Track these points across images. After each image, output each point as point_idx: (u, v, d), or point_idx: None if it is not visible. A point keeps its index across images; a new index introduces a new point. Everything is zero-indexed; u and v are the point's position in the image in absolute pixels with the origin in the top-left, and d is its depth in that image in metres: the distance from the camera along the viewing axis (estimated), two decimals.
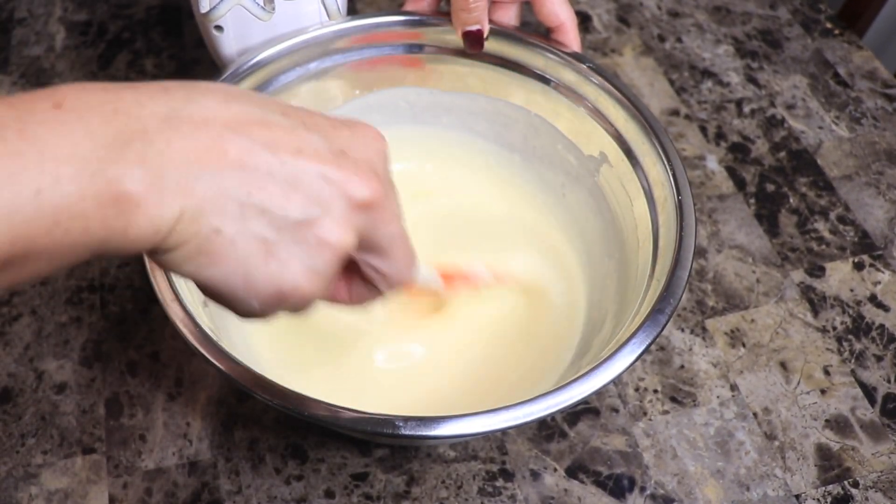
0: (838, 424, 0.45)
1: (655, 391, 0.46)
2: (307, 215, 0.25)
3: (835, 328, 0.49)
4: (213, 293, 0.26)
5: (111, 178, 0.22)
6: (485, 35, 0.45)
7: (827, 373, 0.47)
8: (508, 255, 0.48)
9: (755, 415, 0.45)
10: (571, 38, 0.45)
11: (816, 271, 0.51)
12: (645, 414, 0.45)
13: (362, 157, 0.27)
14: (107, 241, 0.23)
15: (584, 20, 0.66)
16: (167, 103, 0.24)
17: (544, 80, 0.46)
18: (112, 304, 0.47)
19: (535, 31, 0.46)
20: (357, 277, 0.31)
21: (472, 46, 0.45)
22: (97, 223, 0.22)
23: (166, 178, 0.23)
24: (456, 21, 0.45)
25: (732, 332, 0.48)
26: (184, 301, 0.35)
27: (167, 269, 0.25)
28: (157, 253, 0.24)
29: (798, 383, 0.46)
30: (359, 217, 0.26)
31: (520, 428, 0.42)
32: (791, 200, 0.55)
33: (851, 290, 0.51)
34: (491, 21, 0.46)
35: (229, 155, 0.24)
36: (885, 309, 0.50)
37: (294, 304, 0.27)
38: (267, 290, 0.26)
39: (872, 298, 0.50)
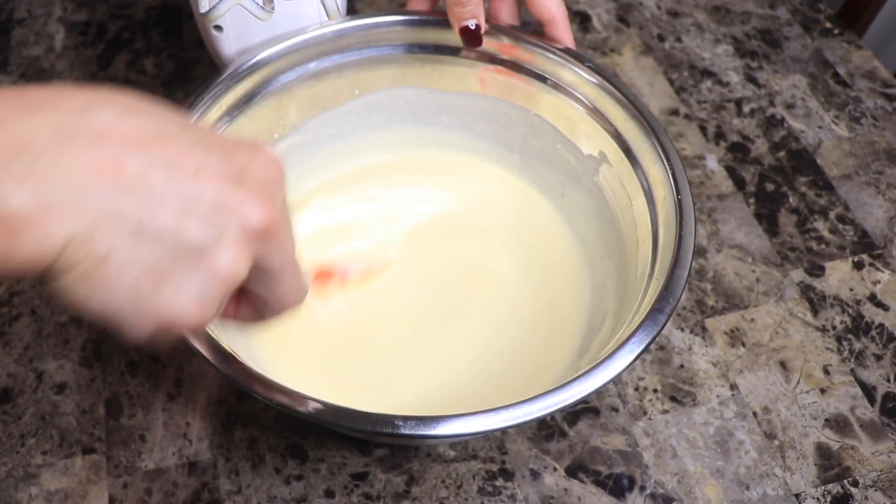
0: (838, 423, 0.45)
1: (655, 390, 0.46)
2: (201, 242, 0.24)
3: (834, 327, 0.49)
4: (101, 320, 0.25)
5: None
6: (483, 30, 0.44)
7: (826, 372, 0.47)
8: (506, 255, 0.49)
9: (755, 414, 0.45)
10: (563, 31, 0.45)
11: (816, 271, 0.51)
12: (645, 413, 0.45)
13: (259, 180, 0.26)
14: None
15: (583, 20, 0.66)
16: (58, 114, 0.23)
17: (544, 79, 0.46)
18: None
19: (534, 30, 0.46)
20: (244, 298, 0.30)
21: (470, 43, 0.45)
22: None
23: (55, 198, 0.21)
24: (451, 17, 0.44)
25: (732, 331, 0.48)
26: None
27: (55, 296, 0.24)
28: (45, 279, 0.23)
29: (798, 382, 0.46)
30: (253, 244, 0.25)
31: (519, 427, 0.42)
32: (790, 200, 0.55)
33: (851, 290, 0.51)
34: (489, 18, 0.46)
35: (125, 173, 0.23)
36: (885, 308, 0.50)
37: (181, 331, 0.26)
38: (155, 319, 0.25)
39: (872, 298, 0.50)
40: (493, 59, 0.47)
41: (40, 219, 0.21)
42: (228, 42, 0.45)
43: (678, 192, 0.40)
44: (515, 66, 0.47)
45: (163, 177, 0.23)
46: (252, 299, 0.29)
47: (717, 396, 0.46)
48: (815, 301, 0.50)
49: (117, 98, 0.24)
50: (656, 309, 0.36)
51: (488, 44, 0.46)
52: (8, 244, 0.21)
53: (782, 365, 0.47)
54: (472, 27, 0.44)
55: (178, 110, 0.26)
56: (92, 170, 0.22)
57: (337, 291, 0.45)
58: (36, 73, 0.59)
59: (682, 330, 0.48)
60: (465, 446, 0.43)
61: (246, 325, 0.31)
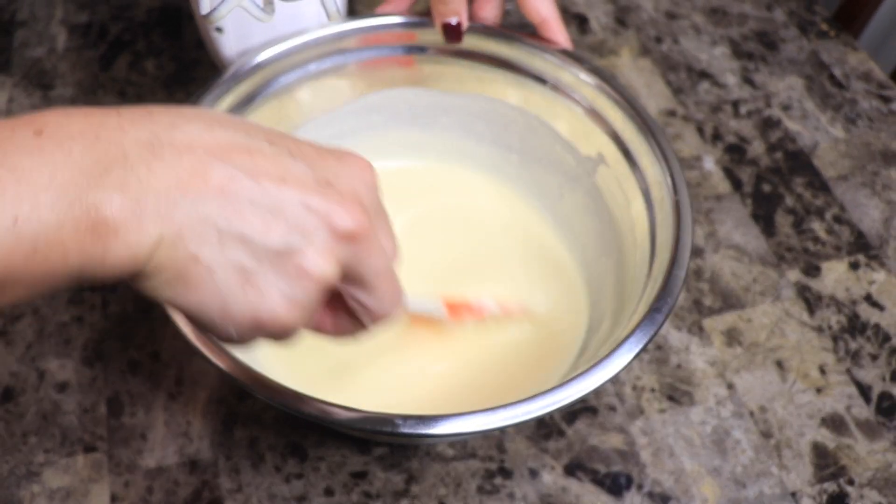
0: (834, 423, 0.45)
1: (653, 390, 0.46)
2: (288, 245, 0.25)
3: (830, 327, 0.49)
4: (191, 317, 0.26)
5: (89, 205, 0.22)
6: (464, 27, 0.45)
7: (822, 371, 0.47)
8: (505, 255, 0.49)
9: (751, 413, 0.45)
10: (556, 32, 0.45)
11: (812, 271, 0.52)
12: (642, 412, 0.45)
13: (348, 187, 0.26)
14: (85, 269, 0.23)
15: (581, 22, 0.66)
16: (150, 129, 0.24)
17: (542, 81, 0.47)
18: (113, 304, 0.48)
19: (532, 31, 0.47)
20: (342, 309, 0.30)
21: (451, 39, 0.46)
22: (75, 250, 0.22)
23: (146, 205, 0.23)
24: (435, 13, 0.45)
25: (729, 331, 0.49)
26: None
27: (146, 295, 0.25)
28: (136, 279, 0.24)
29: (794, 382, 0.47)
30: (342, 248, 0.26)
31: (518, 426, 0.42)
32: (787, 201, 0.55)
33: (847, 290, 0.51)
34: (472, 18, 0.46)
35: (211, 181, 0.24)
36: (881, 308, 0.50)
37: (273, 332, 0.26)
38: (244, 318, 0.25)
39: (868, 298, 0.51)
40: (491, 60, 0.47)
41: (132, 224, 0.23)
42: (229, 43, 0.45)
43: (676, 193, 0.40)
44: (515, 68, 0.47)
45: (249, 185, 0.24)
46: (350, 308, 0.30)
47: (714, 396, 0.46)
48: (811, 301, 0.50)
49: (205, 113, 0.26)
50: (654, 309, 0.36)
51: (488, 44, 0.46)
52: (100, 249, 0.23)
53: (779, 364, 0.47)
54: (454, 23, 0.45)
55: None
56: (180, 178, 0.23)
57: (474, 326, 0.45)
58: (38, 75, 0.59)
59: (680, 330, 0.49)
60: (464, 445, 0.44)
61: (344, 337, 0.31)
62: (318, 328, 0.31)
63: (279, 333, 0.27)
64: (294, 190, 0.25)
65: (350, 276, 0.27)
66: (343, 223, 0.25)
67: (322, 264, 0.25)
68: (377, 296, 0.29)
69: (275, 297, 0.25)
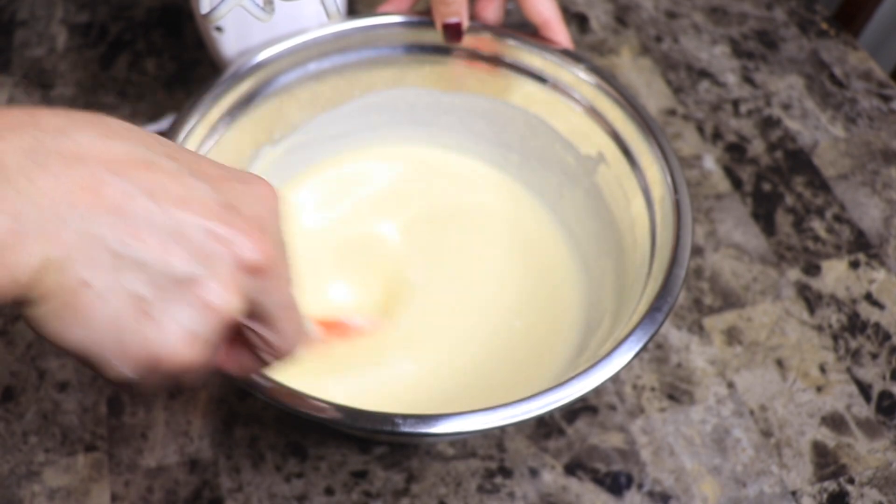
0: (834, 421, 0.45)
1: (653, 389, 0.46)
2: (190, 273, 0.22)
3: (830, 326, 0.49)
4: (81, 358, 0.23)
5: None
6: (464, 27, 0.45)
7: (823, 370, 0.47)
8: (505, 254, 0.49)
9: (752, 412, 0.45)
10: (558, 33, 0.46)
11: (812, 270, 0.52)
12: (642, 411, 0.45)
13: (253, 213, 0.24)
14: None
15: (581, 21, 0.66)
16: (33, 135, 0.21)
17: (542, 80, 0.47)
18: None
19: (532, 31, 0.47)
20: (239, 343, 0.27)
21: (451, 39, 0.46)
22: None
23: (26, 221, 0.20)
24: (436, 14, 0.45)
25: (729, 330, 0.49)
26: None
27: (33, 329, 0.22)
28: (21, 308, 0.22)
29: (794, 381, 0.47)
30: (246, 281, 0.24)
31: (518, 425, 0.42)
32: (787, 200, 0.55)
33: (847, 289, 0.51)
34: (474, 18, 0.46)
35: (104, 197, 0.21)
36: (881, 307, 0.50)
37: (171, 371, 0.24)
38: (140, 354, 0.23)
39: (868, 297, 0.51)
40: (492, 60, 0.47)
41: (12, 242, 0.20)
42: (229, 43, 0.45)
43: (676, 192, 0.40)
44: (515, 67, 0.47)
45: (147, 203, 0.22)
46: (250, 345, 0.27)
47: (715, 395, 0.46)
48: (811, 300, 0.50)
49: (100, 120, 0.23)
50: (654, 308, 0.36)
51: (487, 44, 0.46)
52: None
53: (779, 363, 0.47)
54: (454, 23, 0.45)
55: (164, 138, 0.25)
56: (69, 192, 0.21)
57: (339, 342, 0.43)
58: (38, 75, 0.59)
59: (680, 329, 0.49)
60: (464, 444, 0.44)
61: (247, 374, 0.29)
62: (216, 365, 0.28)
63: (178, 372, 0.24)
64: (197, 213, 0.23)
65: (252, 309, 0.25)
66: (249, 254, 0.23)
67: (226, 296, 0.23)
68: (280, 331, 0.26)
69: (174, 330, 0.23)
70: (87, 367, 0.24)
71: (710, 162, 0.57)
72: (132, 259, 0.22)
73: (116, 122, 0.24)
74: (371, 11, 0.48)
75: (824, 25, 0.67)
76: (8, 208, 0.20)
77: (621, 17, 0.66)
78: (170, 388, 0.25)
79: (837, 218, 0.55)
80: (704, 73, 0.63)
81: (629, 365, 0.35)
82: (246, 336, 0.27)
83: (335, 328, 0.43)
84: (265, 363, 0.28)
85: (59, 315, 0.22)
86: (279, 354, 0.27)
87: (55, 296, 0.21)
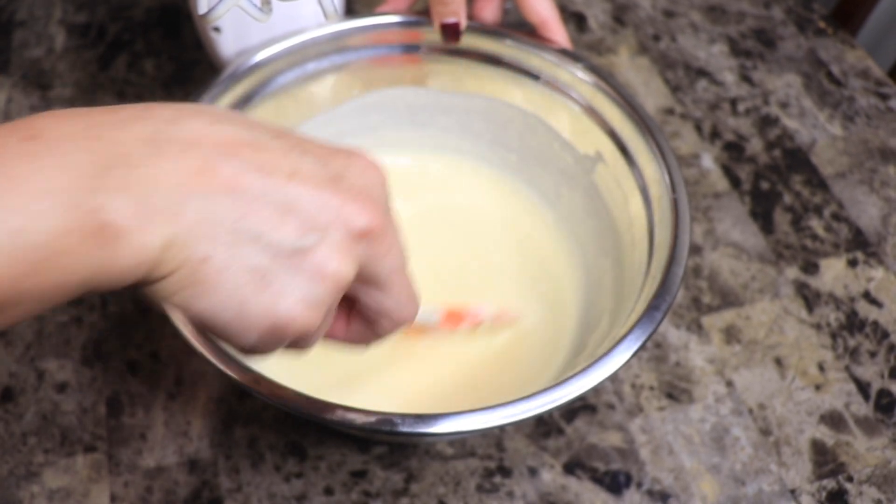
0: (833, 420, 0.45)
1: (651, 388, 0.46)
2: (303, 242, 0.24)
3: (829, 324, 0.49)
4: (207, 326, 0.24)
5: (92, 209, 0.21)
6: (462, 27, 0.45)
7: (821, 369, 0.47)
8: (504, 254, 0.49)
9: (750, 411, 0.45)
10: (556, 33, 0.46)
11: (811, 268, 0.52)
12: (641, 410, 0.45)
13: (359, 183, 0.25)
14: (92, 278, 0.22)
15: (579, 20, 0.66)
16: (151, 125, 0.23)
17: (540, 79, 0.47)
18: (112, 304, 0.48)
19: (529, 30, 0.47)
20: (355, 314, 0.29)
21: (449, 38, 0.46)
22: (80, 259, 0.21)
23: (151, 205, 0.22)
24: (434, 14, 0.45)
25: (728, 328, 0.49)
26: None
27: (158, 303, 0.24)
28: (146, 286, 0.23)
29: (793, 379, 0.47)
30: (358, 246, 0.25)
31: (517, 425, 0.42)
32: (785, 198, 0.55)
33: (845, 287, 0.51)
34: (472, 18, 0.46)
35: (219, 178, 0.23)
36: (879, 305, 0.50)
37: (291, 337, 0.25)
38: (262, 322, 0.24)
39: (866, 295, 0.51)
40: (490, 59, 0.47)
41: (138, 226, 0.21)
42: (227, 43, 0.45)
43: (674, 191, 0.40)
44: (513, 67, 0.47)
45: (257, 180, 0.23)
46: (363, 313, 0.28)
47: (713, 393, 0.46)
48: (809, 298, 0.50)
49: (206, 108, 0.25)
50: (652, 307, 0.36)
51: (486, 43, 0.46)
52: (108, 254, 0.21)
53: (777, 362, 0.47)
54: (452, 23, 0.45)
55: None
56: (187, 175, 0.22)
57: (467, 333, 0.44)
58: (37, 75, 0.59)
59: (678, 327, 0.49)
60: (463, 444, 0.44)
61: (358, 345, 0.30)
62: (330, 335, 0.30)
63: (298, 339, 0.25)
64: (306, 186, 0.24)
65: (365, 276, 0.26)
66: (358, 220, 0.24)
67: (339, 262, 0.24)
68: (394, 296, 0.27)
69: (292, 298, 0.24)
70: (217, 337, 0.25)
71: (709, 160, 0.57)
72: (249, 233, 0.23)
73: (220, 108, 0.26)
74: (369, 11, 0.48)
75: (822, 24, 0.67)
76: (134, 193, 0.21)
77: (619, 17, 0.66)
78: (287, 353, 0.27)
79: (836, 216, 0.55)
80: (702, 72, 0.63)
81: (628, 364, 0.35)
82: (362, 306, 0.28)
83: (456, 318, 0.43)
84: (382, 331, 0.29)
85: (185, 290, 0.23)
86: (395, 320, 0.28)
87: (179, 272, 0.23)
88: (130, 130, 0.23)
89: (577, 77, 0.45)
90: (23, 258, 0.20)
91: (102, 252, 0.21)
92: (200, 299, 0.23)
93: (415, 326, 0.42)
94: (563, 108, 0.47)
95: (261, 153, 0.24)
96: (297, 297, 0.24)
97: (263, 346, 0.25)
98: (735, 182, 0.56)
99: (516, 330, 0.45)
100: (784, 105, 0.61)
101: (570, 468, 0.43)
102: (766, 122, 0.60)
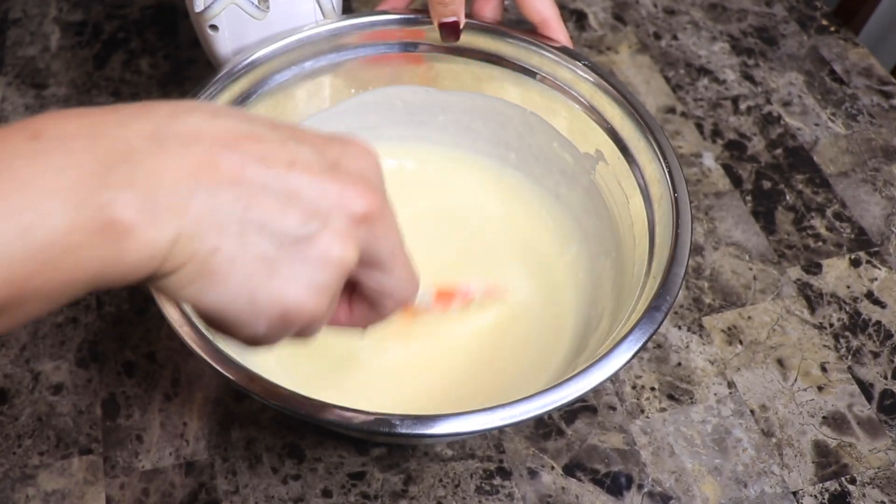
0: (835, 421, 0.45)
1: (653, 389, 0.46)
2: (307, 230, 0.24)
3: (831, 325, 0.49)
4: (217, 319, 0.25)
5: (99, 206, 0.21)
6: (461, 26, 0.45)
7: (824, 369, 0.47)
8: (503, 253, 0.48)
9: (752, 412, 0.45)
10: (557, 32, 0.45)
11: (813, 268, 0.51)
12: (642, 411, 0.45)
13: (356, 169, 0.26)
14: (101, 274, 0.22)
15: (579, 18, 0.66)
16: (151, 121, 0.23)
17: (540, 78, 0.46)
18: (108, 305, 0.47)
19: (529, 28, 0.46)
20: (358, 297, 0.30)
21: (448, 37, 0.46)
22: (89, 255, 0.21)
23: (158, 200, 0.22)
24: (433, 13, 0.45)
25: (729, 329, 0.48)
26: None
27: (168, 296, 0.24)
28: (156, 280, 0.23)
29: (795, 380, 0.46)
30: (359, 230, 0.25)
31: (517, 426, 0.42)
32: (787, 197, 0.55)
33: (848, 287, 0.51)
34: (472, 16, 0.46)
35: (222, 170, 0.23)
36: (882, 305, 0.50)
37: (300, 324, 0.26)
38: (272, 310, 0.25)
39: (869, 295, 0.50)
40: (489, 58, 0.47)
41: (146, 221, 0.22)
42: (224, 41, 0.45)
43: (675, 190, 0.40)
44: (512, 65, 0.47)
45: (259, 171, 0.24)
46: (366, 296, 0.29)
47: (715, 394, 0.46)
48: (812, 298, 0.50)
49: (203, 104, 0.25)
50: (653, 307, 0.36)
51: (485, 41, 0.46)
52: (116, 250, 0.22)
53: (779, 363, 0.47)
54: (451, 22, 0.45)
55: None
56: (191, 169, 0.23)
57: (459, 312, 0.44)
58: (31, 74, 0.59)
59: (680, 328, 0.48)
60: (462, 445, 0.43)
61: (363, 328, 0.31)
62: (334, 320, 0.30)
63: (306, 325, 0.26)
64: (305, 174, 0.24)
65: (366, 258, 0.27)
66: (358, 205, 0.25)
67: (342, 248, 0.25)
68: (395, 276, 0.28)
69: (300, 285, 0.25)
70: (223, 332, 0.26)
71: (710, 160, 0.57)
72: (255, 223, 0.23)
73: (218, 105, 0.26)
74: (367, 10, 0.48)
75: (824, 22, 0.67)
76: (140, 189, 0.22)
77: (620, 14, 0.66)
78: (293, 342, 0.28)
79: (838, 216, 0.54)
80: (704, 71, 0.62)
81: (628, 364, 0.35)
82: (364, 288, 0.29)
83: (447, 297, 0.44)
84: (385, 311, 0.30)
85: (196, 282, 0.23)
86: (397, 299, 0.29)
87: (189, 265, 0.23)
88: (132, 127, 0.23)
89: (578, 75, 0.45)
90: (32, 256, 0.21)
91: (111, 249, 0.22)
92: (211, 291, 0.24)
93: (409, 309, 0.42)
94: (563, 107, 0.46)
95: (260, 144, 0.24)
96: (304, 283, 0.25)
97: (272, 335, 0.26)
98: (737, 181, 0.56)
99: (516, 330, 0.45)
100: (786, 103, 0.61)
101: (570, 470, 0.43)
102: (768, 121, 0.59)
